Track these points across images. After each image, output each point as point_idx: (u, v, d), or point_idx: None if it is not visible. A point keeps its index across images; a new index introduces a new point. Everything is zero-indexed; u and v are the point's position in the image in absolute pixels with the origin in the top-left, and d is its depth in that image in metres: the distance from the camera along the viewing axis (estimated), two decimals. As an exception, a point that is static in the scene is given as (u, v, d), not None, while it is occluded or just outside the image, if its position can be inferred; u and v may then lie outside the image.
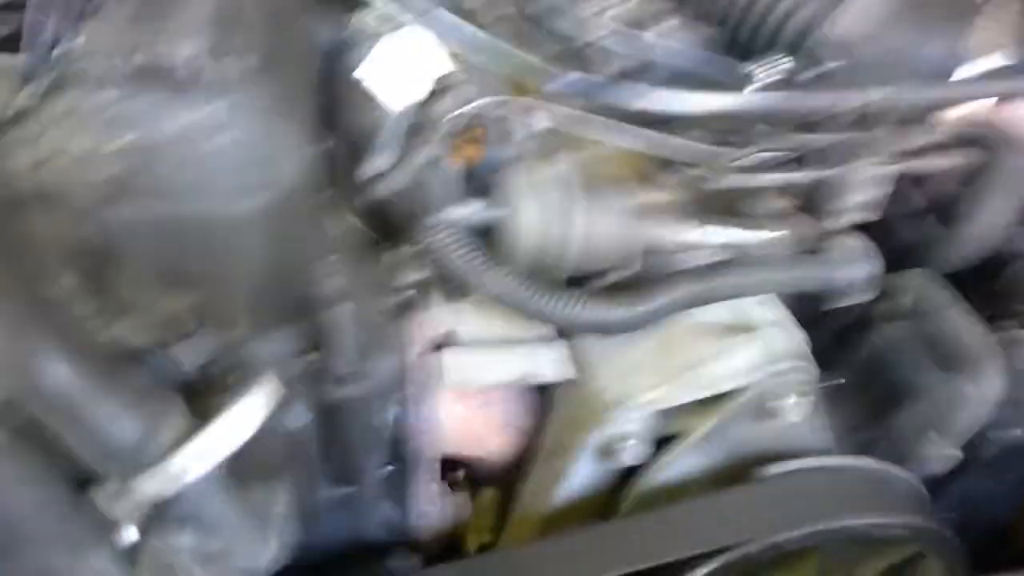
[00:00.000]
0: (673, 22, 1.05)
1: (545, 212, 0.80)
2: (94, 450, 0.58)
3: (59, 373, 0.55)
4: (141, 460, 0.58)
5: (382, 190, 0.88)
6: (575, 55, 1.00)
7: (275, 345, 0.74)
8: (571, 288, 0.83)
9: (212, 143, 0.68)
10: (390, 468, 0.86)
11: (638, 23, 1.10)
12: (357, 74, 0.86)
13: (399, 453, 0.84)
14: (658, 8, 1.08)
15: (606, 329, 0.84)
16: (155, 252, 0.66)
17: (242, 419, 0.60)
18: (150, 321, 0.68)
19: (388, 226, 0.95)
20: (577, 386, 0.88)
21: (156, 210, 0.64)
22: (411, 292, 0.90)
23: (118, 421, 0.57)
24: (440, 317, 0.88)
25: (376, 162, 0.87)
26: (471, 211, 0.82)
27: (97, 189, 0.63)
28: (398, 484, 0.86)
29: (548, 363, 0.88)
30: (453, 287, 0.93)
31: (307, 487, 0.80)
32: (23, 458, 0.59)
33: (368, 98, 0.91)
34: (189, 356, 0.70)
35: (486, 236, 0.85)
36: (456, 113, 0.86)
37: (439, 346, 0.87)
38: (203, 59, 0.74)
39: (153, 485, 0.58)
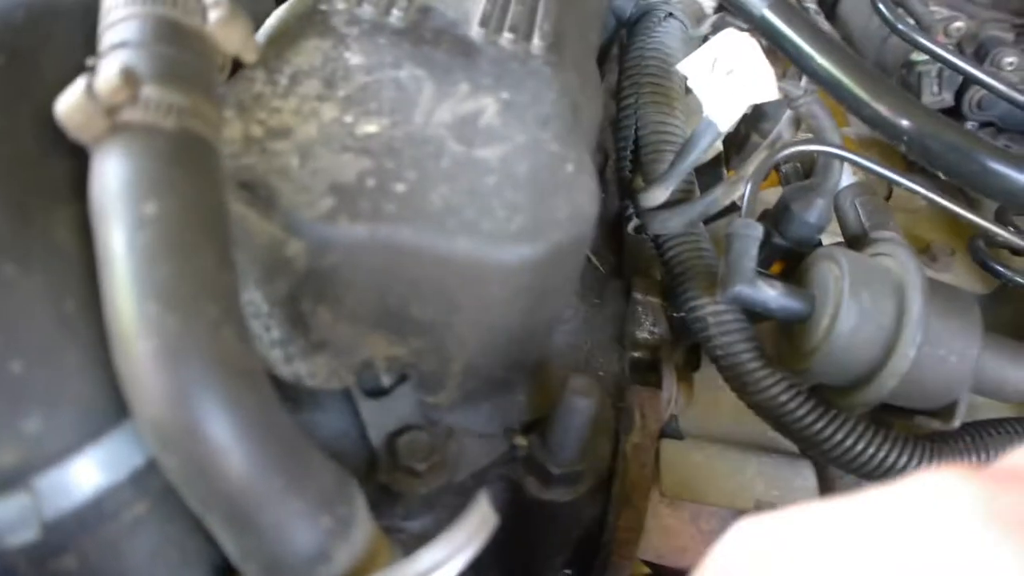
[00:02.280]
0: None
1: (866, 324, 0.60)
2: (252, 558, 0.42)
3: (236, 457, 0.39)
4: (308, 581, 0.43)
5: (655, 227, 0.69)
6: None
7: (481, 419, 0.58)
8: (866, 424, 0.63)
9: (483, 155, 0.51)
10: (568, 572, 0.69)
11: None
12: (683, 69, 0.67)
13: (586, 556, 0.68)
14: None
15: (894, 480, 0.63)
16: (377, 287, 0.49)
17: (444, 559, 0.44)
18: (343, 364, 0.53)
19: (634, 262, 0.77)
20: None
21: (394, 237, 0.47)
22: (642, 355, 0.73)
23: (293, 529, 0.41)
24: (669, 394, 0.70)
25: (655, 193, 0.69)
26: (767, 296, 0.62)
27: (320, 197, 0.47)
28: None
29: (793, 495, 0.69)
30: (689, 355, 0.75)
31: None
32: (162, 533, 0.44)
33: (670, 102, 0.72)
34: (379, 417, 0.54)
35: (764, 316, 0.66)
36: (792, 151, 0.66)
37: (661, 434, 0.70)
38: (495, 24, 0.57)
39: (316, 618, 0.43)
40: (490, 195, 0.49)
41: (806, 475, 0.70)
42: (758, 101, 0.65)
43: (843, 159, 0.68)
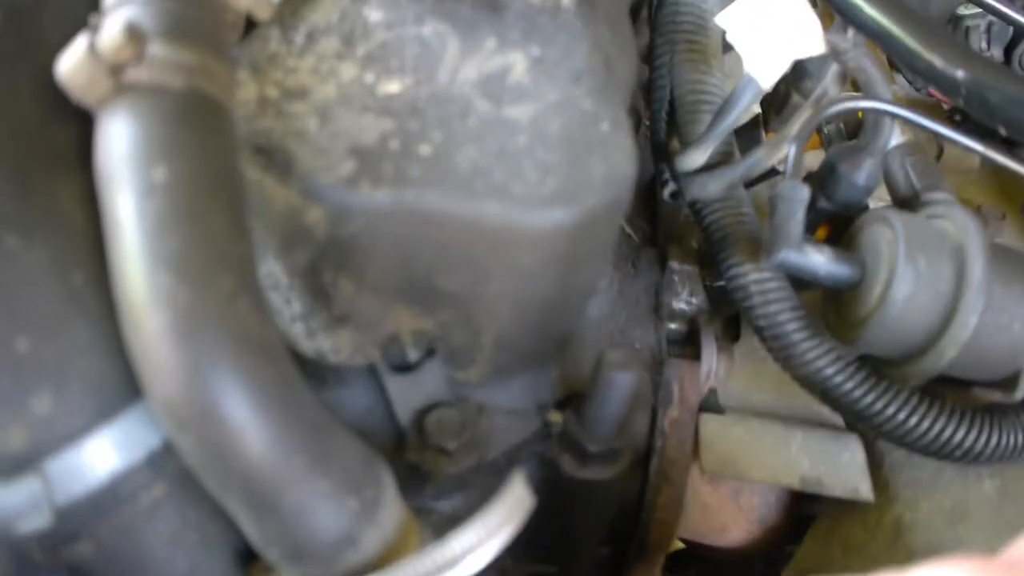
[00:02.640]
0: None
1: (923, 290, 0.56)
2: (275, 542, 0.40)
3: (255, 437, 0.37)
4: (335, 566, 0.41)
5: (693, 192, 0.65)
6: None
7: (513, 395, 0.55)
8: (921, 396, 0.59)
9: (513, 114, 0.48)
10: (606, 551, 0.67)
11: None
12: (721, 22, 0.63)
13: (623, 536, 0.65)
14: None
15: (949, 455, 0.60)
16: (402, 255, 0.46)
17: (477, 543, 0.41)
18: (367, 339, 0.50)
19: (669, 230, 0.73)
20: (874, 513, 0.65)
21: (420, 203, 0.44)
22: (678, 326, 0.70)
23: (317, 512, 0.39)
24: (708, 367, 0.67)
25: (693, 156, 0.65)
26: (815, 263, 0.58)
27: (340, 161, 0.44)
28: (612, 570, 0.68)
29: (840, 471, 0.65)
30: (728, 326, 0.72)
31: (504, 565, 0.62)
32: (181, 517, 0.42)
33: (707, 59, 0.68)
34: (406, 394, 0.51)
35: (810, 284, 0.62)
36: (840, 108, 0.62)
37: (700, 408, 0.66)
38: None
39: (343, 605, 0.41)
40: (521, 156, 0.46)
41: (854, 449, 0.67)
42: (803, 56, 0.61)
43: (895, 116, 0.64)
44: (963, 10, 0.92)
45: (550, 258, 0.47)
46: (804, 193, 0.59)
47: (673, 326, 0.69)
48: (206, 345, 0.36)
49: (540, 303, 0.50)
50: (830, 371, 0.59)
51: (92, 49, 0.39)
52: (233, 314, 0.37)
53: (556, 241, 0.46)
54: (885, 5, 0.63)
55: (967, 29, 0.92)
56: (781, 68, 0.62)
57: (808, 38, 0.60)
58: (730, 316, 0.71)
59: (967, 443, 0.59)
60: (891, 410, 0.58)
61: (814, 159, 0.74)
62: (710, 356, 0.67)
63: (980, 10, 0.90)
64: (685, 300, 0.70)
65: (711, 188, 0.65)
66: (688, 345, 0.69)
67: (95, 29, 0.39)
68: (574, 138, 0.47)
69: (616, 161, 0.48)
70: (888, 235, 0.58)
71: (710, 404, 0.69)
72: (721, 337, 0.70)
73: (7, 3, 0.42)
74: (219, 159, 0.40)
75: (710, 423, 0.66)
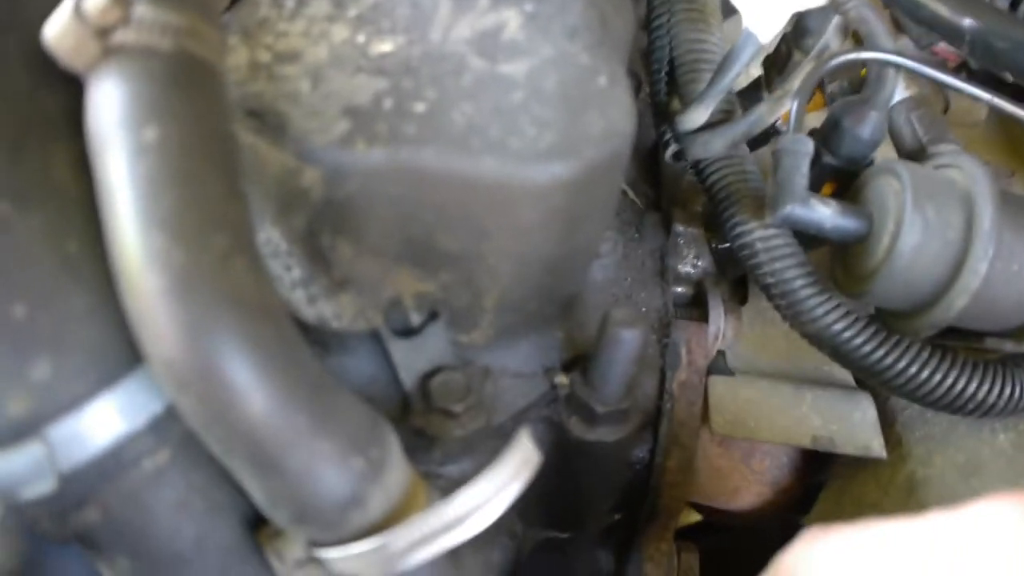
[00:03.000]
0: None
1: (932, 239, 0.55)
2: (280, 504, 0.40)
3: (256, 396, 0.37)
4: (342, 528, 0.40)
5: (696, 151, 0.65)
6: None
7: (519, 358, 0.54)
8: (932, 349, 0.58)
9: (508, 70, 0.47)
10: (617, 516, 0.66)
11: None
12: None
13: (633, 500, 0.65)
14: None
15: (962, 409, 0.59)
16: (400, 216, 0.46)
17: (485, 500, 0.41)
18: (369, 303, 0.50)
19: (673, 193, 0.73)
20: (887, 470, 0.64)
21: (416, 160, 0.44)
22: (685, 289, 0.69)
23: (322, 472, 0.39)
24: (716, 328, 0.66)
25: (695, 114, 0.64)
26: (822, 216, 0.57)
27: (334, 121, 0.44)
28: (623, 535, 0.67)
29: (852, 429, 0.65)
30: (735, 289, 0.71)
31: (515, 529, 0.61)
32: (187, 482, 0.42)
33: (706, 18, 0.67)
34: (410, 358, 0.51)
35: (816, 243, 0.61)
36: (842, 60, 0.61)
37: (709, 371, 0.66)
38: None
39: (353, 566, 0.41)
40: (517, 112, 0.45)
41: (865, 407, 0.66)
42: (802, 8, 0.60)
43: (899, 66, 0.62)
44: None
45: (550, 214, 0.46)
46: (808, 146, 0.58)
47: (679, 289, 0.69)
48: (202, 305, 0.36)
49: (542, 262, 0.49)
50: (839, 326, 0.58)
51: (78, 13, 0.38)
52: (228, 274, 0.37)
53: (555, 196, 0.45)
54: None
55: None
56: (780, 21, 0.61)
57: (806, -6, 0.59)
58: (737, 278, 0.71)
59: (980, 396, 0.58)
60: (902, 364, 0.57)
61: (817, 119, 0.73)
62: (717, 318, 0.67)
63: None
64: (691, 263, 0.69)
65: (714, 146, 0.64)
66: (695, 308, 0.68)
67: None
68: (570, 93, 0.47)
69: (614, 116, 0.48)
70: (895, 186, 0.57)
71: (719, 366, 0.68)
72: (728, 299, 0.69)
73: None
74: (210, 120, 0.39)
75: (719, 385, 0.66)
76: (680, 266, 0.68)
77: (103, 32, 0.38)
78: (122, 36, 0.39)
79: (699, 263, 0.69)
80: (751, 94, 0.81)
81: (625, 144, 0.48)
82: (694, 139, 0.65)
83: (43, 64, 0.40)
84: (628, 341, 0.51)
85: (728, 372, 0.69)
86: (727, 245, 0.67)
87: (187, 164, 0.37)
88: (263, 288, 0.38)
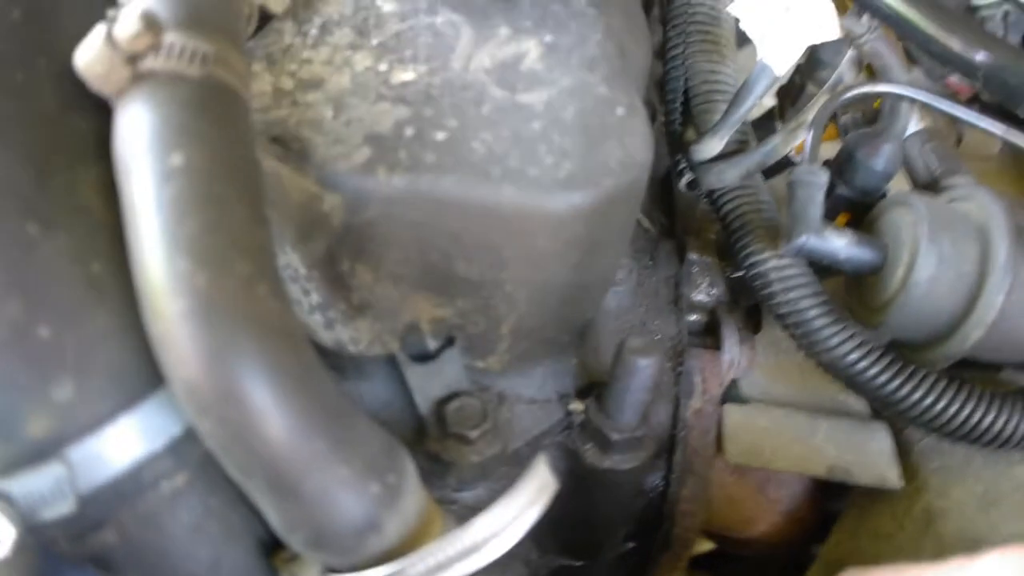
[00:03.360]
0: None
1: (947, 271, 0.55)
2: (297, 528, 0.40)
3: (275, 420, 0.37)
4: (358, 553, 0.40)
5: (710, 181, 0.65)
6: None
7: (534, 385, 0.54)
8: (948, 380, 0.58)
9: (527, 100, 0.48)
10: (631, 544, 0.66)
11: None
12: (733, 10, 0.62)
13: (647, 528, 0.64)
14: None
15: (979, 440, 0.58)
16: (418, 242, 0.46)
17: (502, 527, 0.41)
18: (385, 329, 0.50)
19: (687, 222, 0.73)
20: (903, 501, 0.64)
21: (436, 188, 0.44)
22: (699, 317, 0.69)
23: (339, 497, 0.39)
24: (730, 357, 0.66)
25: (709, 144, 0.64)
26: (836, 246, 0.57)
27: (356, 148, 0.44)
28: (637, 563, 0.67)
29: (868, 460, 0.64)
30: (749, 317, 0.71)
31: (529, 556, 0.61)
32: (204, 506, 0.42)
33: (720, 49, 0.68)
34: (426, 383, 0.51)
35: (830, 273, 0.62)
36: (856, 92, 0.61)
37: (723, 399, 0.66)
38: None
39: (366, 592, 0.41)
40: (536, 141, 0.46)
41: (881, 437, 0.65)
42: (818, 41, 0.61)
43: (912, 100, 0.63)
44: (977, 0, 0.91)
45: (568, 243, 0.47)
46: (823, 177, 0.59)
47: (693, 317, 0.69)
48: (225, 329, 0.36)
49: (559, 289, 0.50)
50: (854, 356, 0.58)
51: (109, 39, 0.39)
52: (251, 298, 0.37)
53: (573, 225, 0.46)
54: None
55: (983, 19, 0.91)
56: (795, 55, 0.61)
57: (822, 23, 0.60)
58: (751, 306, 0.71)
59: (997, 427, 0.58)
60: (918, 395, 0.57)
61: (830, 150, 0.73)
62: (731, 347, 0.67)
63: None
64: (705, 291, 0.69)
65: (728, 176, 0.65)
66: (709, 336, 0.68)
67: (112, 20, 0.40)
68: (589, 123, 0.47)
69: (632, 145, 0.48)
70: (910, 217, 0.58)
71: (733, 395, 0.68)
72: (742, 328, 0.70)
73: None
74: (236, 146, 0.40)
75: (734, 413, 0.65)
76: (694, 294, 0.68)
77: (133, 58, 0.39)
78: (152, 62, 0.39)
79: (713, 291, 0.69)
80: (765, 124, 0.82)
81: (643, 174, 0.49)
82: (708, 168, 0.65)
83: (73, 87, 0.40)
84: (643, 369, 0.51)
85: (742, 400, 0.68)
86: (741, 273, 0.67)
87: (212, 189, 0.38)
88: (285, 314, 0.39)
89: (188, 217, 0.37)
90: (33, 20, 0.42)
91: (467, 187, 0.45)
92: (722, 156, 0.66)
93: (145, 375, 0.40)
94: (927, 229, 0.56)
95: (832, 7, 0.60)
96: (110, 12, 0.41)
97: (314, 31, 0.49)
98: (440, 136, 0.45)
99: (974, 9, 0.91)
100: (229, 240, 0.38)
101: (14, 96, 0.40)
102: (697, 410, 0.63)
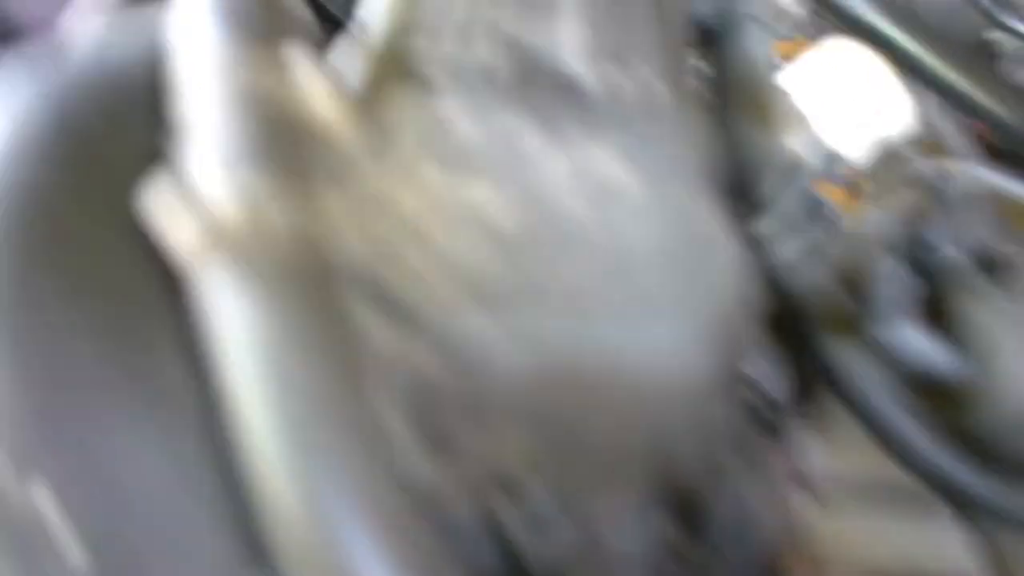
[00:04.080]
0: None
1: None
2: None
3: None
4: None
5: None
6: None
7: (633, 526, 0.51)
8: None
9: (620, 210, 0.44)
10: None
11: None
12: (784, 83, 0.60)
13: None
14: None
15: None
16: (511, 382, 0.42)
17: None
18: (470, 470, 0.46)
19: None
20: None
21: (532, 326, 0.41)
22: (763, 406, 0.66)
23: None
24: (799, 450, 0.64)
25: (768, 223, 0.61)
26: (916, 345, 0.55)
27: (453, 288, 0.41)
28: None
29: (953, 552, 0.62)
30: (817, 407, 0.69)
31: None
32: None
33: (773, 120, 0.65)
34: (518, 528, 0.48)
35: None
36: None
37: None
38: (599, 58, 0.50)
39: None
40: (652, 291, 0.43)
41: (965, 536, 0.63)
42: (890, 133, 0.58)
43: (986, 183, 0.61)
44: (993, 35, 0.90)
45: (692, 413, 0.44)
46: (900, 270, 0.57)
47: (758, 405, 0.66)
48: (343, 523, 0.33)
49: (665, 427, 0.46)
50: (942, 459, 0.56)
51: (192, 204, 0.35)
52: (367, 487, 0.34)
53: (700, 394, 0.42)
54: (964, 68, 0.61)
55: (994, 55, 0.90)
56: (864, 145, 0.59)
57: (899, 113, 0.57)
58: (818, 393, 0.68)
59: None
60: (1015, 498, 0.55)
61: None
62: (799, 438, 0.64)
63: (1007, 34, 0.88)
64: (769, 378, 0.66)
65: (788, 252, 0.61)
66: (773, 427, 0.65)
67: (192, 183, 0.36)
68: (692, 252, 0.44)
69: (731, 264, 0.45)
70: (995, 319, 0.56)
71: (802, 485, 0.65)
72: (811, 417, 0.67)
73: (86, 157, 0.38)
74: (331, 317, 0.37)
75: (807, 514, 0.63)
76: (758, 380, 0.65)
77: (222, 232, 0.35)
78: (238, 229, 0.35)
79: (778, 378, 0.66)
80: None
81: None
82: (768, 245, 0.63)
83: (145, 249, 0.36)
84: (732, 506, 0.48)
85: (817, 496, 0.66)
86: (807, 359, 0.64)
87: (309, 368, 0.35)
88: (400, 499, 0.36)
89: (291, 401, 0.34)
90: (96, 176, 0.37)
91: (569, 327, 0.41)
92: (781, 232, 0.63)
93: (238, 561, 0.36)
94: (1016, 331, 0.54)
95: (908, 96, 0.58)
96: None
97: (377, 143, 0.45)
98: (553, 287, 0.41)
99: (986, 44, 0.90)
100: (335, 422, 0.35)
101: None
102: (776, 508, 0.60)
